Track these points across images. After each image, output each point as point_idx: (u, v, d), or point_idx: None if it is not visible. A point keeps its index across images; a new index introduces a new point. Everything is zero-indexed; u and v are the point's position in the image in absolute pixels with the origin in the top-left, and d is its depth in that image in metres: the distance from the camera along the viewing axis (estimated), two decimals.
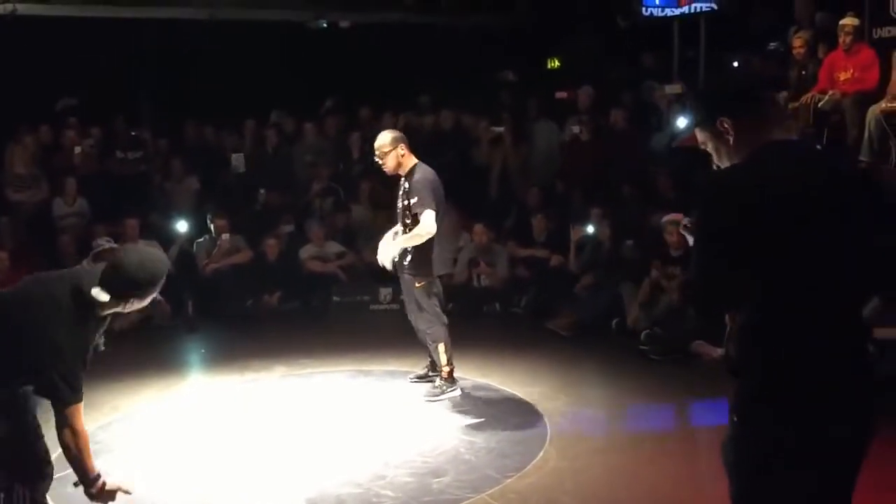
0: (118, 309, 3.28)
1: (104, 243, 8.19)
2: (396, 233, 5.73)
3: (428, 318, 5.66)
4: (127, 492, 3.39)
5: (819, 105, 7.45)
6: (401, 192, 5.69)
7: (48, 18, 9.82)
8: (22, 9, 9.32)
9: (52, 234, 8.97)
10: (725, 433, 2.26)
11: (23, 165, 9.31)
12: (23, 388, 3.24)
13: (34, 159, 9.47)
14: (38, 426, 3.38)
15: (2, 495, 3.07)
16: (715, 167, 2.38)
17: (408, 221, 5.59)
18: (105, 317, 3.33)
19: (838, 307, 2.19)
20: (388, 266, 5.73)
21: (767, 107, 2.34)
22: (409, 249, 5.57)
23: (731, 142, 2.27)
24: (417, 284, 5.63)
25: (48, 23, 9.95)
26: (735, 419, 2.22)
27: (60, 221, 9.16)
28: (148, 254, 3.44)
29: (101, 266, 3.28)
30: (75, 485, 3.34)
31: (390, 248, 5.63)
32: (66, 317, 3.15)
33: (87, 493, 3.32)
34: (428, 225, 5.40)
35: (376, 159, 5.69)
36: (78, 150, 9.67)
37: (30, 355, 3.09)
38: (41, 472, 3.19)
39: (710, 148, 2.36)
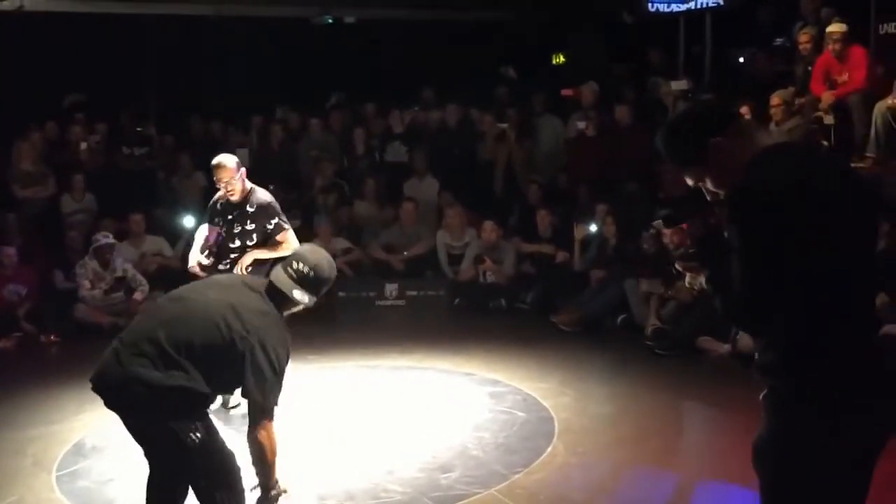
0: (297, 309, 3.33)
1: (102, 238, 8.30)
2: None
3: None
4: (285, 491, 3.40)
5: (819, 112, 7.45)
6: (234, 216, 5.35)
7: (55, 14, 9.83)
8: (29, 4, 9.33)
9: (59, 230, 9.01)
10: (759, 436, 2.22)
11: (30, 162, 9.34)
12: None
13: (41, 156, 9.51)
14: None
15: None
16: (713, 194, 2.34)
17: (249, 243, 5.36)
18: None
19: (867, 304, 2.21)
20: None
21: (743, 118, 2.34)
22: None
23: (729, 159, 2.23)
24: None
25: (55, 18, 9.96)
26: (773, 421, 2.19)
27: (68, 217, 9.21)
28: (321, 252, 3.46)
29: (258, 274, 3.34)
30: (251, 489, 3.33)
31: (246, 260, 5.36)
32: (272, 322, 3.17)
33: (263, 497, 3.33)
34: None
35: (225, 185, 5.24)
36: (84, 146, 9.71)
37: (237, 362, 3.07)
38: (239, 479, 3.16)
39: (707, 179, 2.30)
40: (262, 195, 5.40)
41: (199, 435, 3.00)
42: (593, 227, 8.13)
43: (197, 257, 5.47)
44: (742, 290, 2.16)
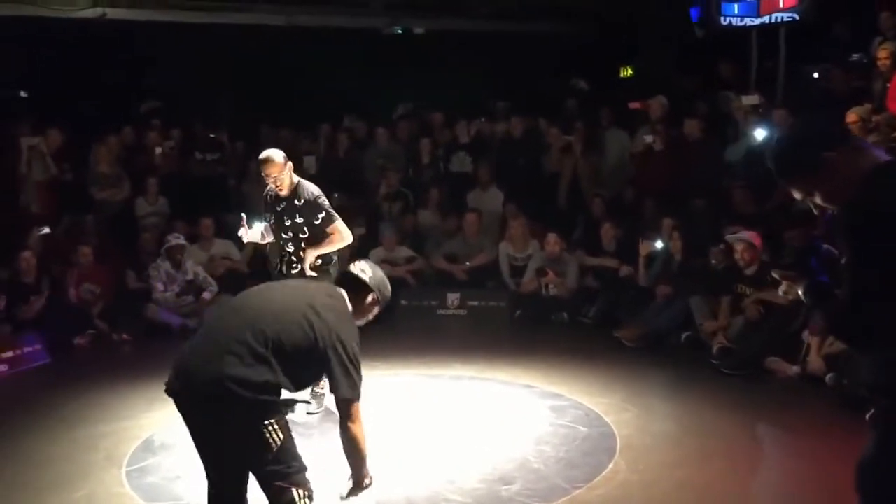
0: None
1: (173, 239, 8.56)
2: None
3: None
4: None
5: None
6: (282, 208, 5.44)
7: (135, 23, 10.16)
8: (111, 13, 9.66)
9: (133, 231, 9.28)
10: (866, 455, 2.18)
11: (107, 165, 9.64)
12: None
13: (118, 159, 9.81)
14: None
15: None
16: (821, 208, 2.33)
17: (302, 236, 5.45)
18: None
19: None
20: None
21: (856, 135, 2.34)
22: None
23: (842, 174, 2.21)
24: None
25: (135, 27, 10.29)
26: (884, 440, 2.15)
27: (142, 220, 9.48)
28: (379, 269, 3.57)
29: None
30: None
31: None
32: (347, 320, 3.27)
33: (355, 489, 3.41)
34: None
35: (272, 180, 5.34)
36: (159, 150, 10.00)
37: (320, 360, 3.15)
38: (307, 477, 3.21)
39: (817, 194, 2.29)
40: (310, 188, 5.47)
41: (280, 434, 3.04)
42: (659, 244, 8.03)
43: (255, 236, 5.64)
44: (850, 304, 2.15)
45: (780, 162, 2.35)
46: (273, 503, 3.10)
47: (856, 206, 2.17)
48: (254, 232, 5.65)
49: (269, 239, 5.70)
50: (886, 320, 2.10)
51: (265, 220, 5.63)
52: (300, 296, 3.25)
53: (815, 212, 2.40)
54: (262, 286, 3.54)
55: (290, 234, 5.47)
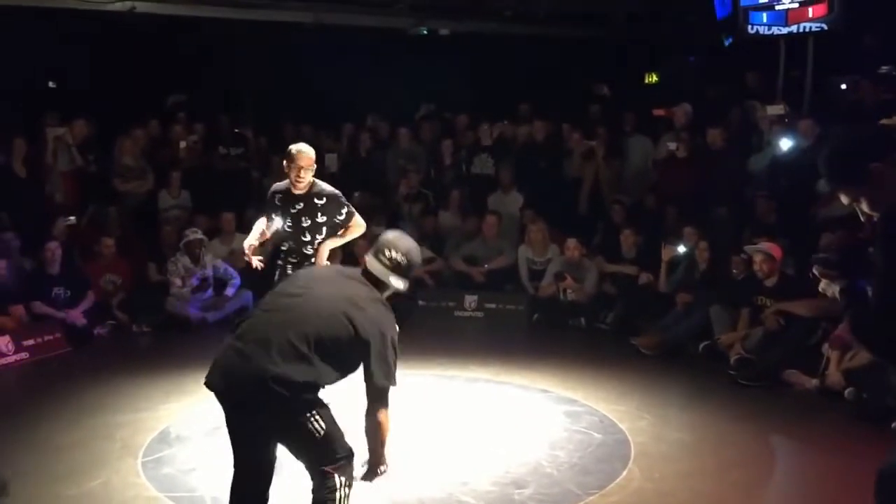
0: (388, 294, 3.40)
1: (191, 234, 8.61)
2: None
3: None
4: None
5: None
6: (299, 209, 5.38)
7: (163, 17, 10.24)
8: (140, 7, 9.74)
9: (155, 224, 9.34)
10: (886, 465, 2.19)
11: (131, 157, 9.72)
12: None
13: (142, 152, 9.89)
14: None
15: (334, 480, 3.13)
16: (867, 216, 2.37)
17: (319, 237, 5.43)
18: None
19: None
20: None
21: None
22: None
23: (888, 184, 2.27)
24: None
25: (163, 21, 10.37)
26: None
27: (164, 213, 9.55)
28: (408, 238, 3.54)
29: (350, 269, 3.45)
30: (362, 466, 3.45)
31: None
32: (384, 308, 3.29)
33: (369, 473, 3.47)
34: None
35: (303, 174, 5.31)
36: (183, 144, 10.06)
37: (361, 351, 3.19)
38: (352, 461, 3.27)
39: (863, 202, 2.35)
40: (327, 186, 5.44)
41: (323, 424, 3.09)
42: (682, 249, 7.98)
43: (251, 241, 5.54)
44: (877, 310, 2.19)
45: (831, 170, 2.43)
46: (317, 487, 3.15)
47: (893, 214, 2.22)
48: (276, 223, 5.56)
49: (268, 234, 5.66)
50: None
51: (271, 220, 5.55)
52: (339, 289, 3.26)
53: (862, 218, 2.44)
54: (298, 279, 3.52)
55: (309, 235, 5.40)
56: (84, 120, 9.46)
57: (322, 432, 3.08)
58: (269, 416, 3.08)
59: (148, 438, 5.08)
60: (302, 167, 5.28)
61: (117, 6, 9.80)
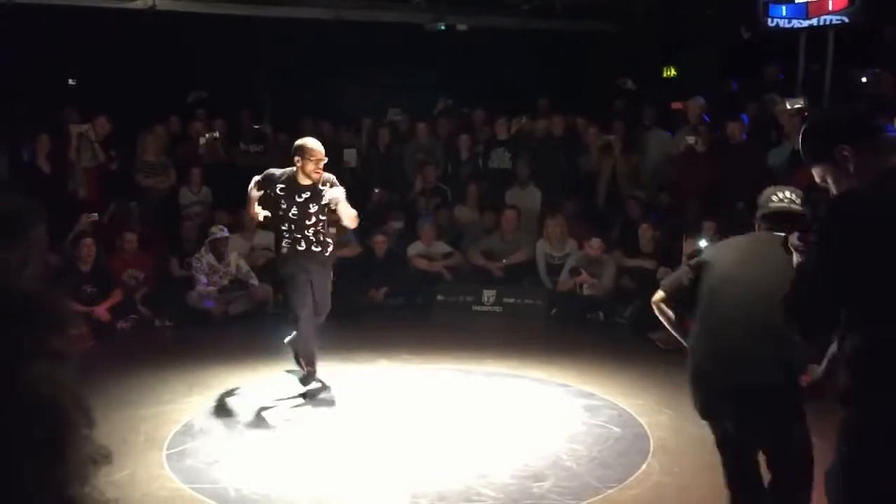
0: None
1: (218, 232, 8.66)
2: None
3: None
4: None
5: None
6: (307, 197, 5.72)
7: (183, 14, 10.33)
8: (161, 4, 9.83)
9: (177, 220, 9.43)
10: (831, 463, 2.21)
11: (153, 153, 9.82)
12: None
13: (164, 148, 9.98)
14: None
15: None
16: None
17: (322, 217, 5.79)
18: None
19: None
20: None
21: (887, 135, 2.32)
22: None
23: (852, 170, 2.26)
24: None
25: (183, 18, 10.46)
26: (845, 450, 2.18)
27: (185, 209, 9.63)
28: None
29: None
30: None
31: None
32: None
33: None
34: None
35: (320, 166, 5.72)
36: (203, 140, 10.14)
37: None
38: None
39: (829, 181, 2.36)
40: (327, 174, 5.78)
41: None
42: (703, 243, 7.95)
43: (261, 212, 6.01)
44: (807, 294, 2.24)
45: (802, 145, 2.47)
46: (797, 471, 3.28)
47: (836, 199, 2.26)
48: (336, 191, 5.71)
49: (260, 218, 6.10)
50: (835, 316, 2.18)
51: (274, 199, 5.83)
52: (767, 262, 3.14)
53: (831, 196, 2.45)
54: (742, 252, 3.42)
55: (314, 219, 5.75)
56: (105, 117, 9.56)
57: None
58: (780, 410, 3.28)
59: (172, 431, 5.16)
60: (320, 160, 5.65)
61: (137, 4, 9.90)
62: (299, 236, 5.78)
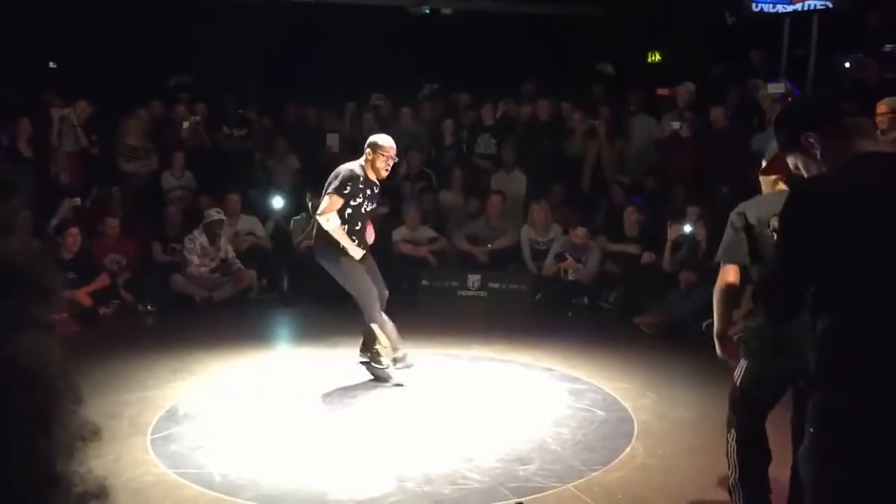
0: None
1: (215, 214, 8.61)
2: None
3: None
4: None
5: None
6: (369, 194, 5.76)
7: None
8: None
9: (159, 204, 9.37)
10: (803, 444, 2.24)
11: (135, 137, 9.73)
12: None
13: (146, 132, 9.89)
14: None
15: None
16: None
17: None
18: None
19: None
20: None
21: (852, 120, 2.33)
22: None
23: (819, 156, 2.30)
24: None
25: (166, 1, 10.34)
26: (812, 431, 2.20)
27: (168, 193, 9.56)
28: None
29: None
30: None
31: None
32: None
33: None
34: None
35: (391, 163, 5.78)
36: (186, 124, 10.06)
37: None
38: None
39: (800, 167, 2.40)
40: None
41: None
42: (688, 228, 7.99)
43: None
44: (773, 276, 2.31)
45: (775, 134, 2.53)
46: None
47: (797, 185, 2.33)
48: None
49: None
50: (802, 299, 2.21)
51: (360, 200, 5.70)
52: None
53: None
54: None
55: (367, 217, 5.78)
56: (86, 100, 9.45)
57: None
58: None
59: (156, 416, 5.13)
60: (391, 158, 5.73)
61: None
62: (363, 232, 5.78)
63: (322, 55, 10.98)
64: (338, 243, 5.65)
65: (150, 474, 4.31)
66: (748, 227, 3.43)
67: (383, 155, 5.65)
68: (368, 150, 5.69)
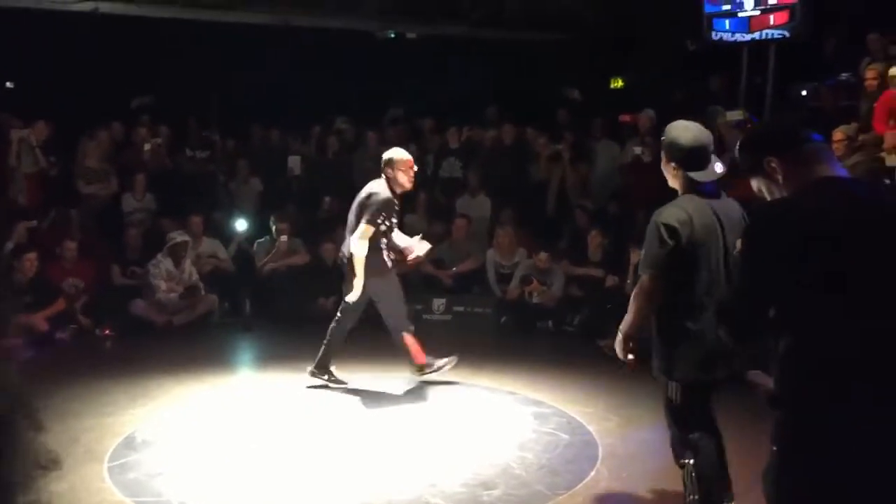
0: None
1: (178, 236, 8.51)
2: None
3: None
4: None
5: (882, 152, 7.30)
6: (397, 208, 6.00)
7: (126, 18, 10.14)
8: (104, 7, 9.63)
9: (119, 227, 9.23)
10: (766, 462, 2.26)
11: (95, 160, 9.60)
12: None
13: (106, 154, 9.77)
14: None
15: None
16: None
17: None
18: None
19: (881, 342, 2.13)
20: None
21: (812, 145, 2.38)
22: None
23: (781, 180, 2.35)
24: None
25: (126, 22, 10.26)
26: (775, 448, 2.24)
27: (128, 216, 9.44)
28: None
29: None
30: None
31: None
32: None
33: None
34: None
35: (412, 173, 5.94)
36: (147, 146, 9.95)
37: None
38: None
39: (763, 191, 2.44)
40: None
41: None
42: None
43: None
44: (734, 298, 2.39)
45: (739, 159, 2.55)
46: None
47: (757, 208, 2.36)
48: (421, 246, 6.10)
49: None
50: (763, 321, 2.26)
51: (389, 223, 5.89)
52: None
53: None
54: None
55: (390, 232, 5.94)
56: (44, 121, 9.32)
57: None
58: None
59: (114, 443, 5.02)
60: (411, 167, 5.90)
61: (81, 6, 9.69)
62: (386, 247, 5.91)
63: (286, 78, 10.98)
64: (382, 267, 5.85)
65: (106, 502, 4.20)
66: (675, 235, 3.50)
67: (403, 167, 5.83)
68: (388, 168, 5.85)
